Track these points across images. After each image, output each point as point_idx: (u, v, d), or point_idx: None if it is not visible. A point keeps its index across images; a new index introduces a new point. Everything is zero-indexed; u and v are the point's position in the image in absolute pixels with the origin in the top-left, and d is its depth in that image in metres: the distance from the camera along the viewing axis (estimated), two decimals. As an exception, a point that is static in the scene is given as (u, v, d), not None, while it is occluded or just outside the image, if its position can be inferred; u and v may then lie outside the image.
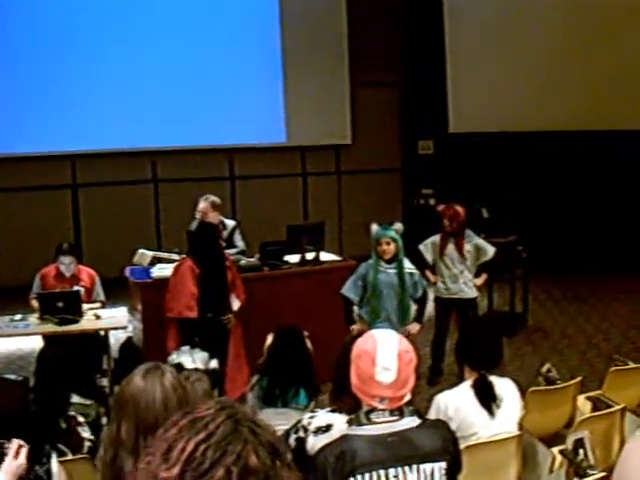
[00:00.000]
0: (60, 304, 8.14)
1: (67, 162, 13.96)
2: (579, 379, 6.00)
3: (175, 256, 8.92)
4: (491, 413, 4.78)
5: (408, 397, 3.17)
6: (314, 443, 3.77)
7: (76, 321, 8.15)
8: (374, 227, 7.74)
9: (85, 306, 8.42)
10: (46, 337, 8.42)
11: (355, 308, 7.86)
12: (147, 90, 13.81)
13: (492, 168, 13.98)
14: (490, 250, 8.92)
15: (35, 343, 8.71)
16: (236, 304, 7.87)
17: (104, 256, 11.80)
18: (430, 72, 14.67)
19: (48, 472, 4.03)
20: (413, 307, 7.91)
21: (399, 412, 3.15)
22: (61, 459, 4.34)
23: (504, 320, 10.58)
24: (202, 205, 9.38)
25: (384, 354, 3.12)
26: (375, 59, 14.91)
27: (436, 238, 8.92)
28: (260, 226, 11.54)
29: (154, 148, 14.06)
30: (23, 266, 9.84)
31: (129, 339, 8.53)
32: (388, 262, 7.64)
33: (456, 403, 4.76)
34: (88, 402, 5.47)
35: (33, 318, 8.35)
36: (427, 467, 3.10)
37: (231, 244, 9.35)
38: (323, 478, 3.03)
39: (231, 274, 7.89)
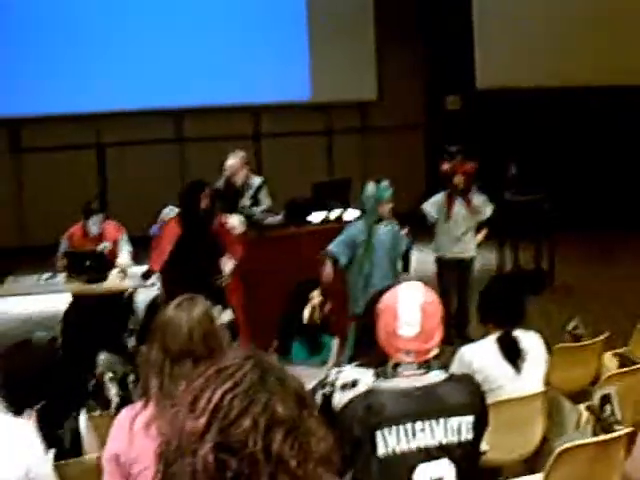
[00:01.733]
0: (87, 263, 8.19)
1: (93, 122, 13.98)
2: (605, 335, 5.97)
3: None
4: (516, 368, 4.78)
5: (435, 351, 3.17)
6: (341, 399, 3.78)
7: (104, 279, 8.19)
8: (371, 186, 7.53)
9: (119, 261, 8.44)
10: (73, 296, 8.47)
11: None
12: (172, 49, 13.76)
13: (520, 124, 13.85)
14: (489, 208, 8.89)
15: (63, 303, 8.76)
16: (228, 265, 7.85)
17: (130, 215, 11.81)
18: (457, 26, 14.52)
19: (77, 428, 4.07)
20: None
21: (426, 366, 3.15)
22: (90, 415, 4.38)
23: (530, 278, 10.54)
24: (232, 161, 9.28)
25: (406, 307, 3.12)
26: (401, 13, 14.77)
27: (440, 198, 8.81)
28: (286, 184, 11.52)
29: (179, 107, 14.05)
30: (50, 225, 9.89)
31: (155, 298, 8.56)
32: (379, 221, 7.45)
33: (481, 357, 4.76)
34: (116, 359, 5.52)
35: (61, 277, 8.40)
36: (454, 421, 3.10)
37: (257, 202, 9.33)
38: (350, 431, 3.03)
39: (222, 235, 7.86)
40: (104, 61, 13.60)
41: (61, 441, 3.95)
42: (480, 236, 8.97)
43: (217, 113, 14.16)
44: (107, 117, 13.93)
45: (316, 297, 5.98)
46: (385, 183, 7.47)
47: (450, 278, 8.86)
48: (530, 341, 4.91)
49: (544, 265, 10.91)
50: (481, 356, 4.76)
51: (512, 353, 4.79)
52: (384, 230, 7.46)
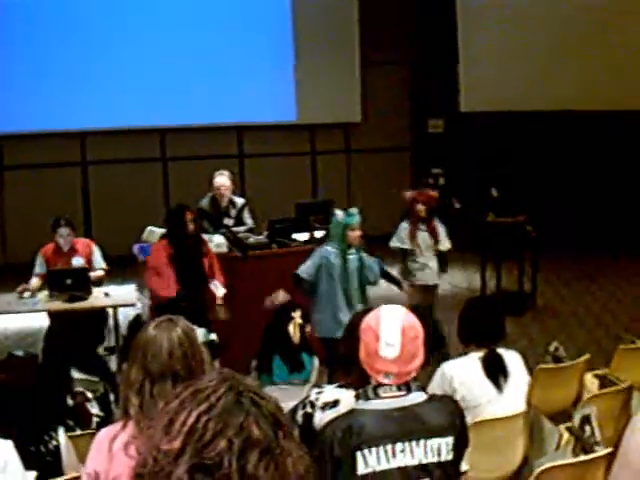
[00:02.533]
0: (69, 281, 8.15)
1: (77, 139, 13.98)
2: (586, 357, 6.00)
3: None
4: (498, 387, 4.79)
5: (414, 373, 3.18)
6: (322, 418, 3.79)
7: (85, 298, 8.17)
8: (339, 213, 7.54)
9: (92, 274, 8.45)
10: (52, 314, 8.45)
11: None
12: (157, 68, 13.78)
13: (502, 147, 13.92)
14: (447, 243, 8.78)
15: (44, 320, 8.73)
16: (221, 290, 7.91)
17: (113, 234, 11.83)
18: (441, 50, 14.60)
19: (56, 447, 4.05)
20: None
21: (406, 387, 3.16)
22: (69, 434, 4.36)
23: (512, 299, 10.57)
24: (221, 180, 9.40)
25: (387, 329, 3.14)
26: (386, 37, 14.84)
27: (404, 228, 8.72)
28: (269, 204, 11.53)
29: (163, 126, 14.07)
30: (31, 243, 9.83)
31: (137, 316, 8.55)
32: (349, 247, 7.44)
33: (462, 375, 4.76)
34: (95, 378, 5.50)
35: (42, 295, 8.37)
36: (434, 442, 3.11)
37: (240, 221, 9.39)
38: (330, 452, 3.04)
39: (208, 259, 7.93)
40: (89, 79, 13.59)
41: (41, 460, 3.93)
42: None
43: (202, 132, 14.18)
44: (91, 135, 13.93)
45: (297, 317, 6.05)
46: (354, 210, 7.51)
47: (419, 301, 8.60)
48: (512, 361, 4.93)
49: (526, 287, 10.95)
50: (462, 373, 4.77)
51: (496, 371, 4.80)
52: (353, 257, 7.45)
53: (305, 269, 7.40)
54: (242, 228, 9.21)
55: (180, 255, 7.72)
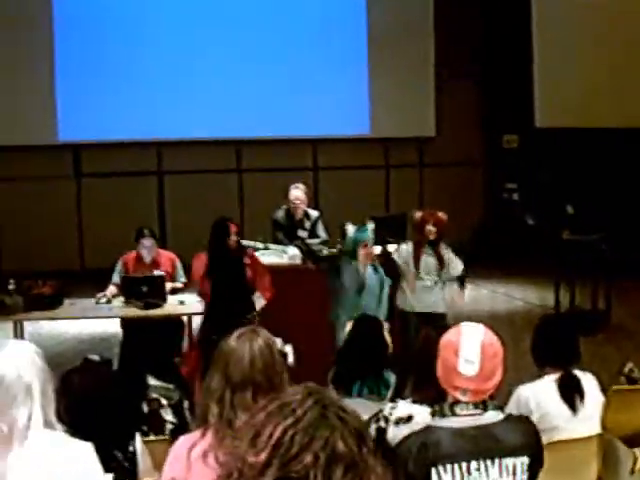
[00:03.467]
0: (144, 288, 8.26)
1: (153, 149, 14.19)
2: (663, 380, 5.90)
3: (259, 245, 9.00)
4: (574, 409, 4.74)
5: (491, 392, 3.17)
6: (395, 433, 3.79)
7: (160, 305, 8.27)
8: (350, 228, 7.44)
9: (168, 285, 8.53)
10: (125, 321, 8.56)
11: None
12: (234, 80, 13.94)
13: (578, 164, 13.75)
14: (459, 265, 8.27)
15: (118, 326, 8.86)
16: (259, 303, 7.88)
17: (188, 243, 11.92)
18: (517, 64, 14.51)
19: (132, 453, 4.10)
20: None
21: (483, 405, 3.15)
22: (144, 439, 4.42)
23: (586, 318, 10.43)
24: (296, 193, 9.47)
25: (467, 345, 3.13)
26: (461, 51, 14.81)
27: (408, 247, 8.21)
28: (342, 217, 11.52)
29: (239, 138, 14.19)
30: (108, 250, 10.01)
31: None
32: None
33: (538, 396, 4.72)
34: (170, 386, 5.56)
35: (118, 301, 8.49)
36: (509, 462, 3.10)
37: (314, 234, 9.43)
38: (404, 468, 3.04)
39: (252, 271, 7.86)
40: (167, 90, 13.81)
41: (117, 465, 3.99)
42: (455, 297, 8.54)
43: (276, 145, 14.28)
44: (168, 145, 14.13)
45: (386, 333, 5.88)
46: (369, 225, 7.45)
47: (416, 334, 7.26)
48: (587, 382, 4.87)
49: (601, 306, 10.80)
50: (538, 396, 4.73)
51: (572, 393, 4.75)
52: (370, 272, 7.42)
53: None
54: (316, 240, 9.24)
55: (217, 268, 7.73)
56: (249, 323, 7.45)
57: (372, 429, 3.94)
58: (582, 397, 4.77)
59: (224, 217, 8.07)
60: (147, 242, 8.68)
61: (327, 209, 11.36)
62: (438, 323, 7.72)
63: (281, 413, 1.80)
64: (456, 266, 8.23)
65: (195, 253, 8.11)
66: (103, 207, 13.94)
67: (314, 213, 9.70)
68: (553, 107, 14.11)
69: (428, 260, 8.09)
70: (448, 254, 8.19)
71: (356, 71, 14.56)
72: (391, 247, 8.70)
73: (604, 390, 5.19)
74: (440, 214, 8.16)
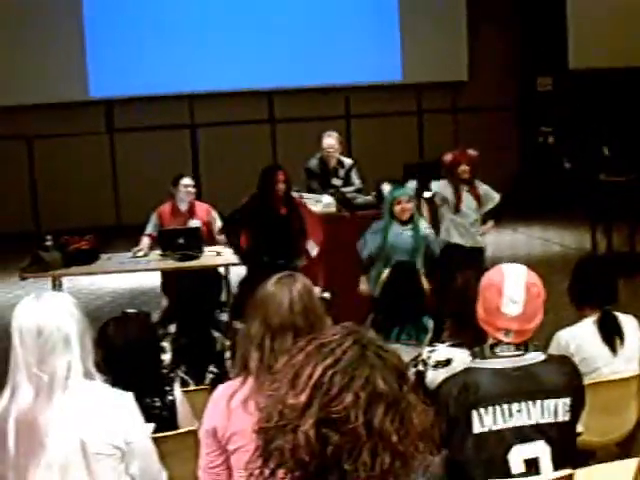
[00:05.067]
0: (181, 240, 8.27)
1: (185, 102, 14.18)
2: None
3: (295, 194, 8.97)
4: (614, 350, 4.71)
5: (533, 332, 3.14)
6: (434, 377, 3.79)
7: (197, 257, 8.28)
8: (386, 186, 7.34)
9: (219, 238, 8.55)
10: (165, 274, 8.60)
11: None
12: (263, 30, 13.86)
13: (614, 105, 13.57)
14: (496, 196, 8.28)
15: (156, 280, 8.91)
16: (314, 250, 7.88)
17: (223, 194, 11.95)
18: (549, 6, 14.29)
19: (172, 402, 4.14)
20: None
21: (524, 347, 3.13)
22: (184, 389, 4.45)
23: (623, 261, 10.34)
24: (330, 141, 9.39)
25: (511, 285, 3.10)
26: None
27: (444, 184, 8.18)
28: (376, 165, 11.49)
29: (271, 88, 14.13)
30: (143, 205, 10.03)
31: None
32: (403, 223, 7.12)
33: (577, 339, 4.70)
34: (214, 335, 5.60)
35: (155, 254, 8.53)
36: (551, 403, 3.08)
37: (348, 182, 9.39)
38: (445, 410, 3.04)
39: (301, 218, 7.87)
40: (197, 43, 13.76)
41: (157, 415, 4.03)
42: (486, 228, 8.44)
43: (308, 94, 14.21)
44: (200, 98, 14.11)
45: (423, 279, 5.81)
46: (410, 184, 7.37)
47: (459, 261, 7.68)
48: (627, 323, 4.84)
49: (638, 248, 10.70)
50: (577, 339, 4.70)
51: (611, 333, 4.72)
52: (403, 232, 7.15)
53: (366, 244, 7.27)
54: (350, 188, 9.20)
55: (265, 217, 7.72)
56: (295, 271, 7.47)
57: (411, 373, 3.93)
58: (622, 338, 4.74)
59: (273, 165, 8.10)
60: (185, 182, 8.65)
61: (361, 157, 11.27)
62: (480, 258, 8.04)
63: (320, 353, 1.79)
64: (493, 197, 8.28)
65: (230, 205, 8.13)
66: (136, 162, 13.98)
67: (348, 161, 9.63)
68: (586, 48, 13.88)
69: (468, 198, 8.13)
70: (483, 188, 8.23)
71: (387, 17, 14.42)
72: (427, 194, 8.64)
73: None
74: (471, 152, 8.20)
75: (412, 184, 7.42)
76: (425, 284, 6.14)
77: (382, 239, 7.13)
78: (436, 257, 7.40)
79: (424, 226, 7.34)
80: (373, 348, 1.81)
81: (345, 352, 1.78)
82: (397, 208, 7.09)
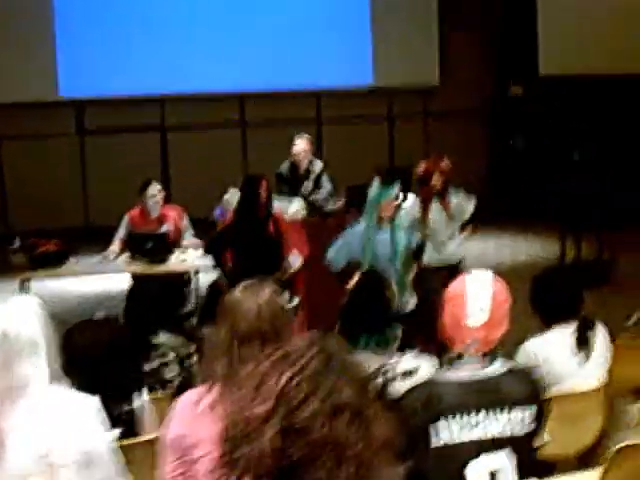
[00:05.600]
0: (149, 244, 8.27)
1: (156, 104, 14.13)
2: (669, 330, 5.89)
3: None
4: (583, 360, 4.72)
5: (497, 342, 3.15)
6: (399, 386, 3.79)
7: (164, 261, 8.27)
8: (374, 188, 7.14)
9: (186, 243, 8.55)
10: (135, 277, 8.57)
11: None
12: (234, 34, 13.85)
13: (584, 111, 13.65)
14: (471, 204, 7.99)
15: (124, 283, 8.86)
16: (297, 261, 7.80)
17: (193, 197, 11.92)
18: (520, 12, 14.39)
19: (138, 409, 4.12)
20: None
21: (489, 357, 3.14)
22: (150, 395, 4.43)
23: (591, 270, 10.40)
24: (302, 144, 9.39)
25: (477, 293, 3.10)
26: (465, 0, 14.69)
27: (413, 203, 7.89)
28: (347, 169, 11.50)
29: (242, 91, 14.12)
30: (111, 206, 10.01)
31: (216, 280, 8.62)
32: (381, 226, 6.97)
33: (545, 350, 4.71)
34: (177, 341, 5.57)
35: (123, 258, 8.49)
36: (515, 414, 3.08)
37: (319, 186, 9.37)
38: (409, 421, 3.03)
39: (282, 230, 7.76)
40: (168, 44, 13.72)
41: (122, 421, 4.01)
42: (465, 234, 8.14)
43: (279, 97, 14.21)
44: (170, 100, 14.07)
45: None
46: (396, 186, 7.08)
47: (434, 285, 7.20)
48: (594, 334, 4.85)
49: (607, 257, 10.76)
50: (546, 349, 4.72)
51: (580, 344, 4.73)
52: (386, 233, 6.98)
53: (330, 251, 7.12)
54: (322, 194, 9.20)
55: (248, 228, 7.66)
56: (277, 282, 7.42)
57: (377, 382, 3.93)
58: (589, 349, 4.76)
59: (255, 175, 8.01)
60: (154, 188, 8.61)
61: (331, 161, 11.30)
62: (455, 272, 7.67)
63: (285, 362, 1.80)
64: (468, 207, 8.00)
65: (198, 208, 8.11)
66: (106, 164, 13.91)
67: (318, 165, 9.61)
68: (557, 54, 13.97)
69: (437, 213, 7.87)
70: (457, 199, 7.95)
71: (359, 21, 14.47)
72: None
73: (611, 342, 5.18)
74: (444, 163, 7.93)
75: (397, 186, 7.30)
76: (393, 293, 6.09)
77: (362, 246, 6.98)
78: (413, 248, 7.25)
79: (401, 225, 7.17)
80: (338, 358, 1.82)
81: (310, 361, 1.79)
82: (384, 208, 6.93)
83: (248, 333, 3.15)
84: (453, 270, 7.33)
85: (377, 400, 1.86)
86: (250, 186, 7.74)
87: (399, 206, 7.39)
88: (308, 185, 9.35)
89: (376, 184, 7.08)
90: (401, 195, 7.16)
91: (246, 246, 7.62)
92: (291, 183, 9.35)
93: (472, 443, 3.06)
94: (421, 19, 14.65)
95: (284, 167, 9.47)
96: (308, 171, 9.44)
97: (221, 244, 7.86)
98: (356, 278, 6.18)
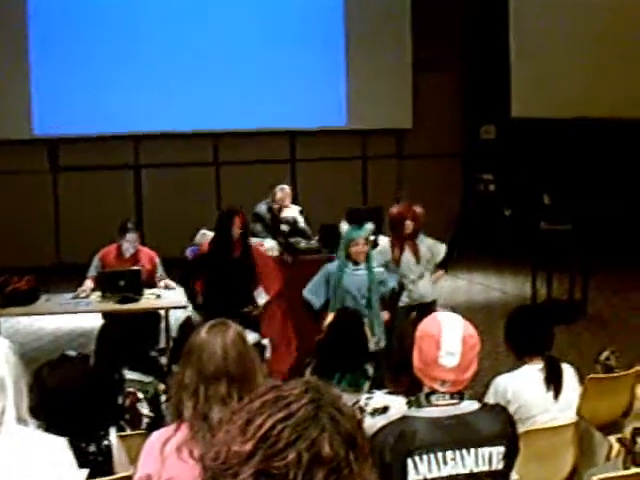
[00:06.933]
0: (121, 282, 8.23)
1: (131, 143, 14.14)
2: (638, 368, 5.93)
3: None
4: (555, 397, 4.75)
5: (468, 382, 3.17)
6: (371, 424, 3.78)
7: (136, 299, 8.25)
8: (345, 226, 7.34)
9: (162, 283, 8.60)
10: (106, 315, 8.53)
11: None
12: (210, 73, 13.93)
13: (555, 154, 13.80)
14: (441, 249, 8.17)
15: (96, 321, 8.81)
16: (262, 298, 7.85)
17: (165, 237, 11.92)
18: (493, 56, 14.55)
19: (107, 447, 4.08)
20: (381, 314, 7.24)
21: (459, 396, 3.15)
22: (120, 434, 4.40)
23: (563, 308, 10.48)
24: (282, 195, 9.96)
25: (449, 337, 3.12)
26: (438, 43, 14.82)
27: (385, 245, 8.10)
28: (320, 208, 11.55)
29: (216, 130, 14.16)
30: (83, 244, 9.98)
31: (188, 318, 8.59)
32: (356, 263, 7.06)
33: (516, 386, 4.74)
34: (147, 379, 5.53)
35: (94, 296, 8.46)
36: (485, 451, 3.10)
37: (296, 228, 9.56)
38: (381, 458, 3.03)
39: (254, 266, 7.83)
40: (143, 83, 13.76)
41: (92, 460, 3.97)
42: (435, 277, 8.32)
43: (253, 137, 14.26)
44: (144, 138, 14.08)
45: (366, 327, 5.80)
46: (368, 226, 7.24)
47: (404, 324, 7.17)
48: (564, 371, 4.89)
49: (577, 296, 10.84)
50: (517, 385, 4.74)
51: (551, 381, 4.76)
52: (356, 271, 7.06)
53: (307, 289, 7.20)
54: (297, 236, 9.33)
55: (221, 261, 7.70)
56: (247, 316, 7.44)
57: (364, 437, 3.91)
58: (560, 385, 4.79)
59: (231, 208, 8.09)
60: (131, 236, 8.63)
61: (305, 201, 11.36)
62: (428, 311, 7.67)
63: (275, 405, 1.78)
64: (439, 252, 8.15)
65: (172, 246, 8.11)
66: (79, 201, 13.88)
67: (295, 210, 9.92)
68: (528, 98, 14.14)
69: (407, 256, 7.97)
70: (427, 243, 8.10)
71: (333, 63, 14.57)
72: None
73: (581, 378, 5.22)
74: (418, 209, 8.06)
75: (369, 225, 7.36)
76: (368, 331, 6.10)
77: (336, 281, 7.04)
78: (396, 291, 7.39)
79: (376, 265, 7.25)
80: (329, 409, 1.79)
81: (299, 409, 1.77)
82: (353, 250, 7.01)
83: (214, 374, 3.14)
84: (423, 309, 7.52)
85: (365, 456, 1.84)
86: (224, 220, 7.82)
87: (371, 246, 7.53)
88: (285, 227, 9.47)
89: (345, 225, 7.14)
90: (371, 236, 7.23)
91: (217, 276, 7.66)
92: (269, 223, 9.49)
93: (445, 479, 3.06)
94: (395, 62, 14.75)
95: (262, 209, 9.63)
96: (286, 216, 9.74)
97: (193, 273, 7.90)
98: (331, 316, 6.21)
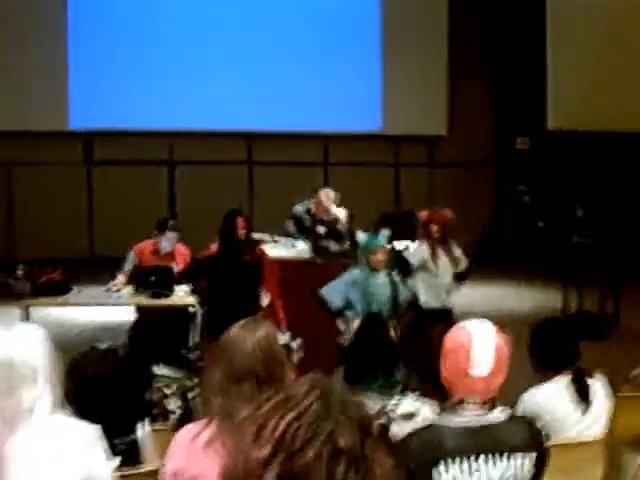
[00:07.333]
0: (153, 278, 8.28)
1: (165, 139, 14.21)
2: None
3: (267, 237, 9.00)
4: (584, 411, 4.71)
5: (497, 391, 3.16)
6: (398, 429, 3.78)
7: (168, 295, 8.29)
8: (362, 235, 7.39)
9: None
10: (139, 311, 8.58)
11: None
12: (246, 74, 13.98)
13: (590, 167, 13.71)
14: (464, 261, 8.25)
15: (127, 316, 8.86)
16: (265, 299, 7.88)
17: (197, 234, 11.93)
18: (530, 66, 14.50)
19: (134, 443, 4.11)
20: None
21: (489, 405, 3.14)
22: (150, 427, 4.42)
23: (594, 322, 10.39)
24: (326, 200, 9.47)
25: (479, 348, 3.11)
26: (474, 51, 14.81)
27: (423, 246, 8.12)
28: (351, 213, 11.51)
29: (251, 130, 14.19)
30: (116, 238, 10.03)
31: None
32: (375, 270, 7.23)
33: (546, 400, 4.70)
34: (177, 375, 5.57)
35: (126, 290, 8.51)
36: (512, 461, 3.09)
37: (336, 232, 9.45)
38: (408, 464, 3.03)
39: (260, 266, 7.88)
40: (181, 81, 13.83)
41: (123, 451, 4.00)
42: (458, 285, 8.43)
43: (288, 139, 14.27)
44: (180, 135, 14.14)
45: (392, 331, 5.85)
46: (384, 232, 7.36)
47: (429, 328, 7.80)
48: (595, 385, 4.85)
49: (609, 310, 10.76)
50: (545, 399, 4.71)
51: (584, 394, 4.73)
52: (382, 280, 7.26)
53: (327, 288, 7.33)
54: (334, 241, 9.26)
55: (225, 261, 7.73)
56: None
57: (376, 425, 3.92)
58: (589, 399, 4.76)
59: (234, 209, 8.09)
60: (171, 235, 8.67)
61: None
62: (447, 318, 7.61)
63: (285, 406, 1.80)
64: (463, 263, 8.24)
65: (204, 244, 8.11)
66: (113, 195, 13.96)
67: (343, 212, 9.75)
68: (565, 109, 14.08)
69: (443, 258, 8.07)
70: (458, 251, 8.19)
71: (369, 68, 14.58)
72: (399, 244, 8.68)
73: (612, 394, 5.17)
74: (444, 213, 8.14)
75: (384, 232, 7.42)
76: (393, 335, 6.13)
77: (363, 286, 7.15)
78: (406, 301, 7.48)
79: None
80: (338, 402, 1.81)
81: (309, 406, 1.78)
82: (372, 258, 7.17)
83: (242, 372, 3.16)
84: (446, 314, 7.71)
85: (379, 443, 1.85)
86: (227, 222, 7.85)
87: (391, 252, 7.61)
88: (322, 229, 9.37)
89: (362, 234, 7.42)
90: (386, 242, 7.37)
91: (225, 277, 7.68)
92: (303, 225, 9.40)
93: (472, 487, 3.06)
94: (431, 69, 14.76)
95: (298, 210, 9.49)
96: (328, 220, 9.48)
97: (198, 272, 7.98)
98: (357, 322, 6.23)
